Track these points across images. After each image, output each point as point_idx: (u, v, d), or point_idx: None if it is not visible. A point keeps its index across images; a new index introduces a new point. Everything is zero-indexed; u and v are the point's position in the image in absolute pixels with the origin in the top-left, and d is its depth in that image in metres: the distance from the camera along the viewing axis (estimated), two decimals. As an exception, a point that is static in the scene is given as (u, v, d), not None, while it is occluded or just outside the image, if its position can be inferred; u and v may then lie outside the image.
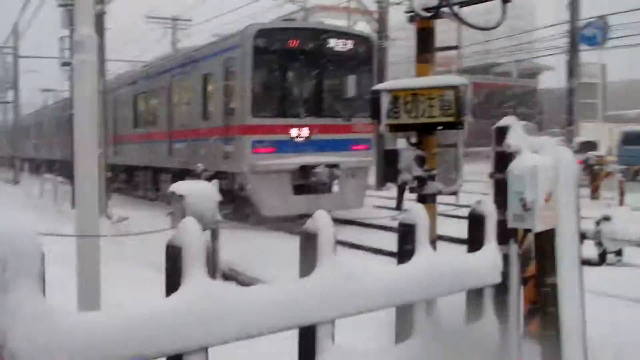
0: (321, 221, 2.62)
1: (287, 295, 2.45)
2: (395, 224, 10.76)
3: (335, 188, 12.64)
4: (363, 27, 33.91)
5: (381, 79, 21.28)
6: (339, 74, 13.39)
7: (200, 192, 5.91)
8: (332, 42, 12.78)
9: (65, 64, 28.41)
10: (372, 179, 22.65)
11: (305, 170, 12.12)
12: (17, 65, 35.53)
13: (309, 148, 12.38)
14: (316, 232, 2.57)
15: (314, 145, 12.44)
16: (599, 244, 6.99)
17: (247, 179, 11.99)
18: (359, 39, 13.44)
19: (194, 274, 2.14)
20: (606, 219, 6.93)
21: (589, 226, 7.00)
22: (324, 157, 12.36)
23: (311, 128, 12.44)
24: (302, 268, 2.63)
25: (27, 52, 36.04)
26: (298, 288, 2.47)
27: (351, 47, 13.04)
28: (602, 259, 7.28)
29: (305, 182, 12.17)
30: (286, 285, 2.46)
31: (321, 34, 12.80)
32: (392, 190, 19.59)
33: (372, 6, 22.41)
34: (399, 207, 14.65)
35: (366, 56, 13.39)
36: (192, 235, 2.16)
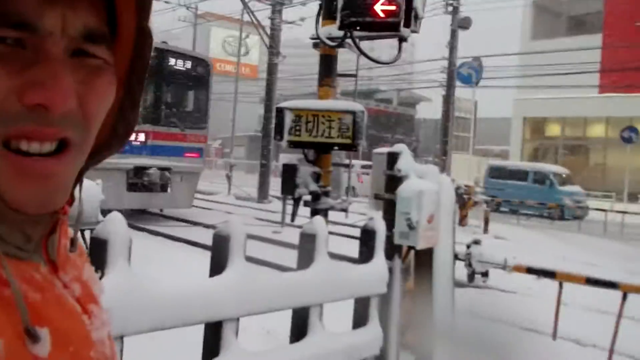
0: (233, 227, 2.82)
1: (197, 292, 2.64)
2: (277, 237, 10.97)
3: (169, 189, 14.24)
4: (256, 40, 34.16)
5: (270, 94, 21.65)
6: (177, 89, 15.31)
7: (85, 191, 5.87)
8: (172, 61, 14.60)
9: None
10: (253, 191, 22.91)
11: (140, 171, 13.60)
12: None
13: (144, 151, 13.83)
14: (229, 234, 2.78)
15: (149, 149, 13.94)
16: (469, 265, 7.66)
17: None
18: (197, 60, 15.38)
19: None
20: (476, 242, 7.62)
21: (460, 249, 7.66)
22: (157, 160, 13.94)
23: (147, 134, 13.95)
24: (212, 268, 2.82)
25: None
26: (212, 285, 2.66)
27: (189, 67, 14.97)
28: (470, 279, 7.96)
29: (138, 181, 13.67)
30: (203, 283, 2.65)
31: (163, 53, 14.43)
32: (273, 204, 19.90)
33: (266, 22, 22.73)
34: (293, 219, 14.96)
35: (203, 76, 15.27)
36: (117, 227, 2.31)
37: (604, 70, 32.88)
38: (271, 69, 21.53)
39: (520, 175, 26.14)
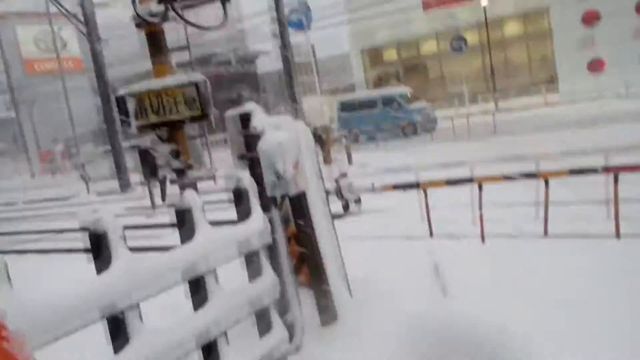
0: (106, 221, 2.85)
1: (91, 291, 2.68)
2: (152, 221, 10.80)
3: None
4: (71, 31, 32.22)
5: (102, 82, 20.70)
6: None
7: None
8: None
9: None
10: (114, 184, 22.11)
11: None
12: None
13: None
14: (104, 231, 2.81)
15: None
16: (341, 196, 8.06)
17: None
18: None
19: None
20: (343, 175, 8.02)
21: (330, 185, 8.03)
22: None
23: None
24: (97, 266, 2.85)
25: None
26: (103, 281, 2.70)
27: None
28: (345, 209, 8.37)
29: None
30: (93, 282, 2.68)
31: None
32: (138, 191, 19.37)
33: (76, 9, 21.49)
34: (163, 199, 14.69)
35: None
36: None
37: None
38: (96, 58, 20.54)
39: (370, 103, 27.19)
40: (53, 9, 24.64)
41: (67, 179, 31.10)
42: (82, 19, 20.59)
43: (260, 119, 4.32)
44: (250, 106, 4.39)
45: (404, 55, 38.99)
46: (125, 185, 21.26)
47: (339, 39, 42.60)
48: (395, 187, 7.00)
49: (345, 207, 8.44)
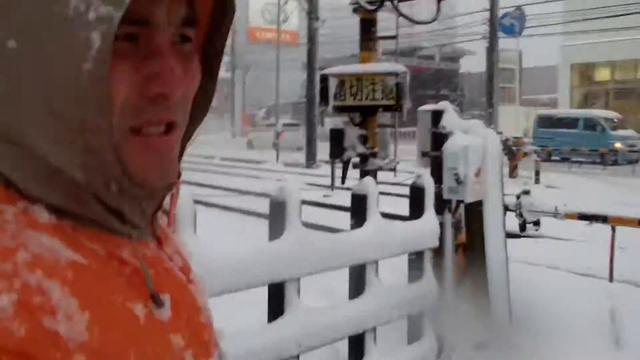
0: (288, 192, 2.98)
1: (259, 255, 2.82)
2: (328, 200, 11.15)
3: None
4: (294, 7, 34.02)
5: (311, 59, 21.66)
6: None
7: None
8: None
9: None
10: (301, 157, 23.14)
11: None
12: None
13: None
14: (284, 200, 2.94)
15: None
16: (520, 215, 7.71)
17: None
18: None
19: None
20: (525, 192, 7.64)
21: (510, 200, 7.70)
22: None
23: None
24: (271, 232, 2.99)
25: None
26: (272, 249, 2.84)
27: None
28: (522, 229, 8.01)
29: None
30: (263, 246, 2.83)
31: None
32: (321, 169, 20.09)
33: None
34: (343, 182, 15.16)
35: None
36: (183, 198, 2.50)
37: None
38: (311, 35, 21.49)
39: (570, 122, 25.59)
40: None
41: (261, 145, 33.03)
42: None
43: (451, 119, 4.24)
44: (443, 104, 4.32)
45: (617, 77, 36.00)
46: (311, 161, 22.14)
47: (550, 50, 40.37)
48: (581, 217, 6.52)
49: (522, 226, 8.05)
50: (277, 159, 24.72)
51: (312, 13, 20.99)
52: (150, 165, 0.60)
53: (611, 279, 6.18)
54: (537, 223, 8.04)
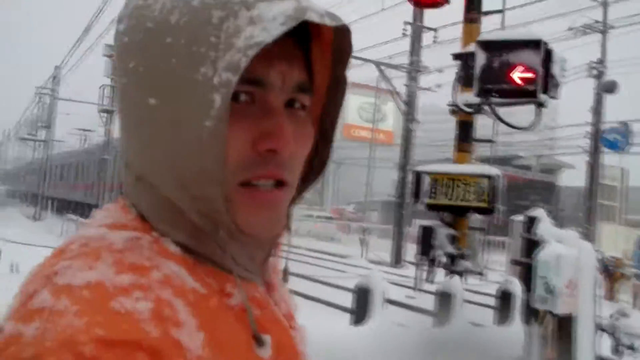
0: (374, 280, 3.03)
1: (341, 338, 2.85)
2: (411, 301, 10.84)
3: None
4: (391, 107, 34.80)
5: (405, 159, 21.88)
6: None
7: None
8: None
9: (104, 110, 29.74)
10: (387, 256, 22.95)
11: None
12: (55, 107, 37.11)
13: None
14: (369, 287, 2.98)
15: None
16: (614, 336, 7.26)
17: None
18: None
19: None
20: (622, 314, 7.21)
21: (606, 322, 7.27)
22: None
23: None
24: (355, 317, 3.02)
25: (67, 95, 37.72)
26: (356, 333, 2.85)
27: None
28: (615, 352, 7.50)
29: None
30: (346, 330, 2.85)
31: None
32: (407, 269, 19.77)
33: (401, 89, 23.14)
34: (428, 280, 14.79)
35: None
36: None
37: None
38: (407, 135, 21.83)
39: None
40: (383, 85, 26.84)
41: (349, 240, 33.14)
42: (404, 98, 22.15)
43: (545, 228, 4.18)
44: (538, 212, 4.28)
45: None
46: (398, 260, 21.90)
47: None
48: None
49: (616, 350, 7.54)
50: (362, 254, 24.61)
51: (408, 113, 21.40)
52: (257, 217, 0.65)
53: None
54: (631, 347, 7.50)
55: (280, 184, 0.66)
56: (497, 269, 13.04)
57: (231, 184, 0.63)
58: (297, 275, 16.03)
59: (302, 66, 0.68)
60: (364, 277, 3.01)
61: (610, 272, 17.48)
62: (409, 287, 15.05)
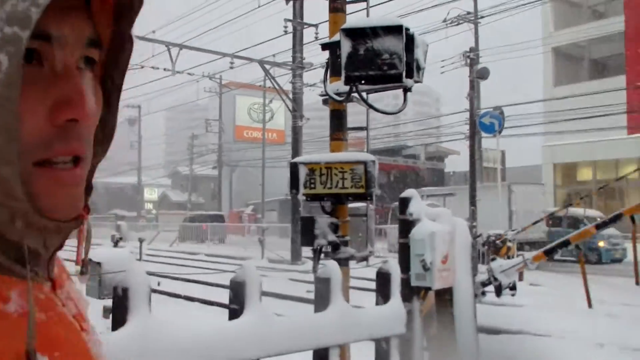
0: (248, 272, 2.99)
1: (218, 334, 2.80)
2: (310, 295, 10.91)
3: None
4: (280, 105, 35.02)
5: (296, 154, 22.04)
6: None
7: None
8: None
9: None
10: (287, 254, 23.02)
11: None
12: None
13: None
14: (244, 280, 2.94)
15: None
16: (494, 279, 7.73)
17: None
18: None
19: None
20: (493, 259, 7.79)
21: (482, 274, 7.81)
22: None
23: None
24: (230, 312, 2.98)
25: None
26: (231, 328, 2.81)
27: None
28: (498, 293, 7.96)
29: None
30: (222, 326, 2.80)
31: None
32: (307, 265, 19.93)
33: (287, 86, 23.32)
34: (315, 270, 15.02)
35: None
36: (139, 276, 2.50)
37: (631, 111, 32.69)
38: (296, 132, 22.00)
39: (554, 221, 25.80)
40: (269, 83, 26.87)
41: (248, 242, 32.98)
42: (291, 96, 22.30)
43: (417, 206, 4.32)
44: (410, 192, 4.41)
45: (599, 177, 36.75)
46: (296, 258, 22.02)
47: (532, 150, 41.41)
48: (546, 252, 6.53)
49: (498, 289, 7.98)
50: (262, 255, 24.57)
51: (295, 111, 21.57)
52: (59, 198, 0.58)
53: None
54: (513, 287, 8.06)
55: (77, 160, 0.59)
56: (382, 255, 13.45)
57: (26, 164, 0.54)
58: (189, 280, 15.77)
59: (87, 16, 0.59)
60: (239, 270, 2.97)
61: (498, 247, 18.48)
62: (310, 282, 15.20)
